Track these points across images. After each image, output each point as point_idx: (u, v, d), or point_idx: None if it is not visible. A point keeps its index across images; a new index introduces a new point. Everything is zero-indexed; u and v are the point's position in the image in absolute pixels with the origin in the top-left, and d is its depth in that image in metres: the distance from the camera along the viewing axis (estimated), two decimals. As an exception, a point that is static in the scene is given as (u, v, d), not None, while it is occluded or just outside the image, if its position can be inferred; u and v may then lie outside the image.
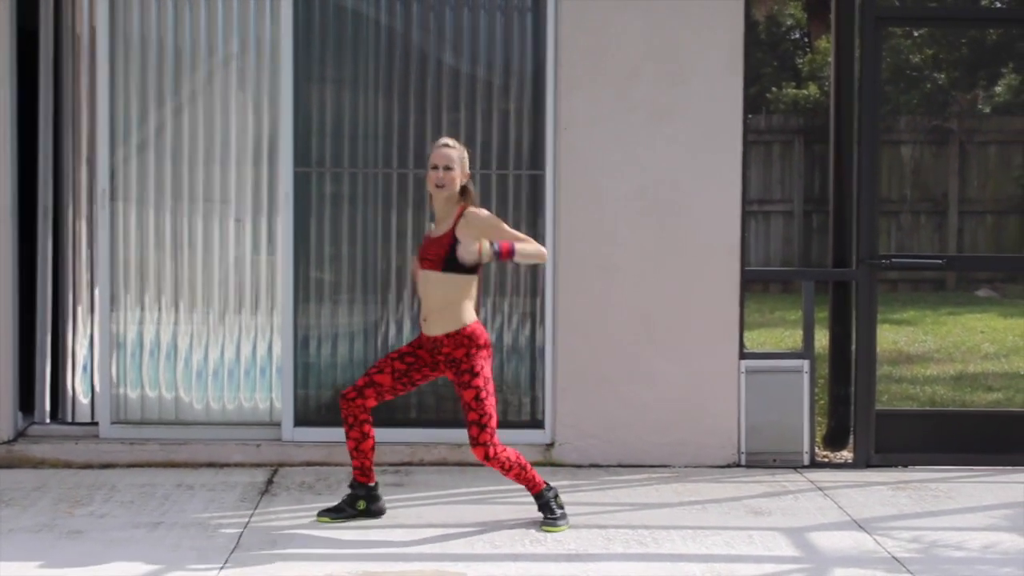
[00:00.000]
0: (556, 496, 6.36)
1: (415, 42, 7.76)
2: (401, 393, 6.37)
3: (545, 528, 6.20)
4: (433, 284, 6.18)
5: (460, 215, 6.17)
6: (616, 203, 7.56)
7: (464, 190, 6.26)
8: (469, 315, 6.21)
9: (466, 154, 6.31)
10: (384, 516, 6.41)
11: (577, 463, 7.59)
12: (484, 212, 6.24)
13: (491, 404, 6.16)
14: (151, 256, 7.74)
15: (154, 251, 7.74)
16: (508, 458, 6.20)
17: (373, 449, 6.38)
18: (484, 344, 6.22)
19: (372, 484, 6.41)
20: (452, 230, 6.15)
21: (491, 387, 6.19)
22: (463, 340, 6.17)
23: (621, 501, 6.86)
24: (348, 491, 6.45)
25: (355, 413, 6.29)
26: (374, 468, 6.45)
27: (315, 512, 6.42)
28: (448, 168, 6.19)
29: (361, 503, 6.37)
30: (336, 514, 6.35)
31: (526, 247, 6.13)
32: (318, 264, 7.76)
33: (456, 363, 6.18)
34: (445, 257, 6.13)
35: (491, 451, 6.14)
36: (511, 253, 6.08)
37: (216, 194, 7.75)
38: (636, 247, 7.58)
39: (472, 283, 6.22)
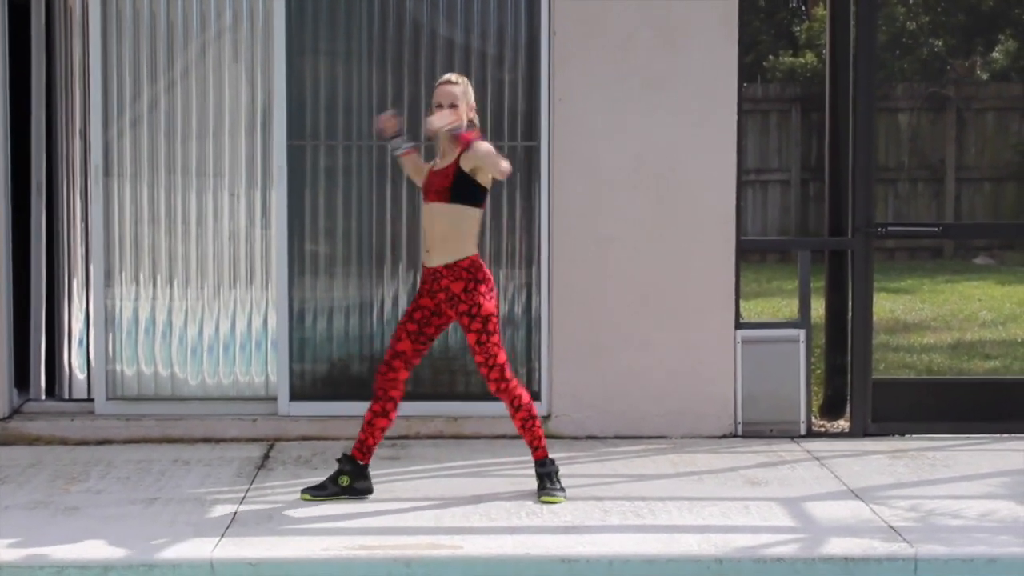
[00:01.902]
0: (558, 472, 6.32)
1: (409, 13, 7.72)
2: (424, 352, 6.33)
3: (544, 499, 6.17)
4: (438, 216, 6.14)
5: (465, 147, 6.12)
6: (612, 173, 7.54)
7: (470, 124, 6.20)
8: (469, 248, 6.18)
9: (470, 88, 6.27)
10: (381, 490, 6.38)
11: (574, 435, 7.57)
12: (486, 145, 6.15)
13: (494, 343, 6.14)
14: (146, 231, 7.71)
15: (148, 226, 7.71)
16: (519, 396, 6.20)
17: (384, 431, 6.31)
18: (483, 278, 6.18)
19: (364, 464, 6.33)
20: (456, 160, 6.11)
21: (493, 324, 6.15)
22: (461, 272, 6.13)
23: (618, 472, 6.86)
24: (336, 465, 6.39)
25: (385, 387, 6.26)
26: (374, 450, 6.36)
27: (311, 486, 6.41)
28: (453, 105, 6.15)
29: (344, 479, 6.28)
30: (319, 491, 6.29)
31: (490, 151, 6.06)
32: (313, 237, 7.74)
33: (455, 300, 6.14)
34: (451, 188, 6.09)
35: (501, 384, 6.17)
36: (468, 144, 6.05)
37: (210, 168, 7.72)
38: (632, 217, 7.56)
39: (476, 217, 6.20)
